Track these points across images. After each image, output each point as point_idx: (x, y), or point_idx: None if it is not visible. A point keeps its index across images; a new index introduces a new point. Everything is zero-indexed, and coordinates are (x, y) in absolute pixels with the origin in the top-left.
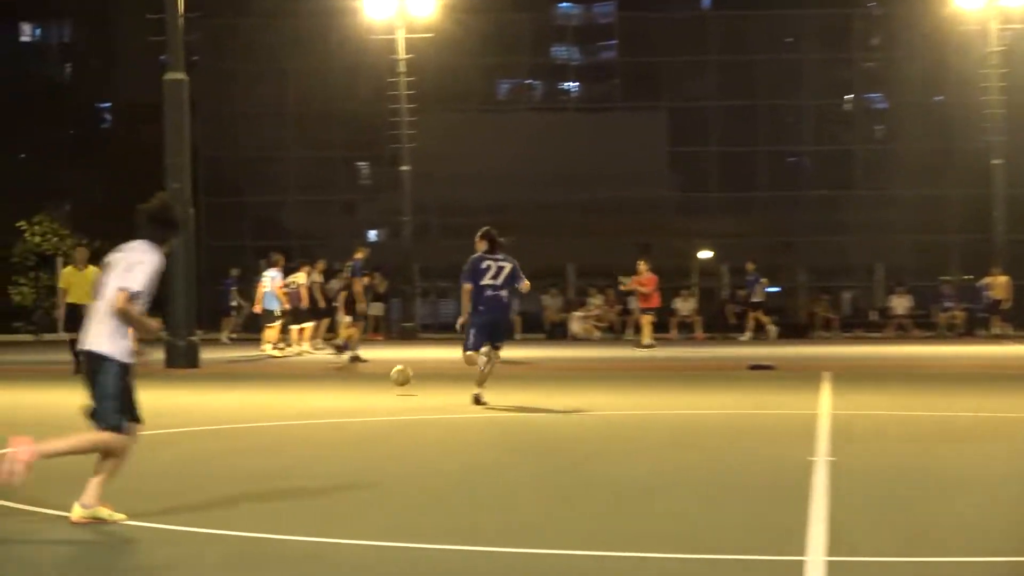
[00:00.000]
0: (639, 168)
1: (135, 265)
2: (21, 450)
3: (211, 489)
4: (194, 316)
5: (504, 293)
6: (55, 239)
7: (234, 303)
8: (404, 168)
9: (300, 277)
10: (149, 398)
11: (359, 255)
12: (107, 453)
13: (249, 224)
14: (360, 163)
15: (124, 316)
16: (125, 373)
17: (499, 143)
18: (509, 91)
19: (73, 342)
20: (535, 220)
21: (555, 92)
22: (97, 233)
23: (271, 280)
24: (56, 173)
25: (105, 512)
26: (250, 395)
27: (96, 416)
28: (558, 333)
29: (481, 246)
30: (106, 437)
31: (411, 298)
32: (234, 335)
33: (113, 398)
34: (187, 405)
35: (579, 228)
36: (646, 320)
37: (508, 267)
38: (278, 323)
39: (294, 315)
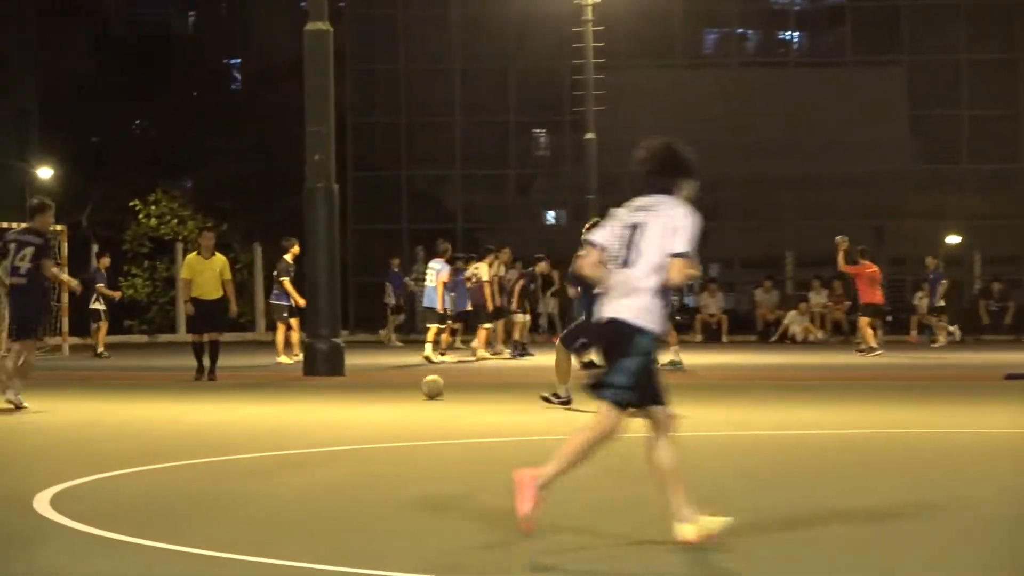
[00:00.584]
0: (873, 135)
1: (678, 229)
2: (527, 485)
3: (361, 522)
4: (338, 314)
5: None
6: (174, 221)
7: (392, 301)
8: (589, 136)
9: (482, 269)
10: (286, 412)
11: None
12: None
13: (405, 204)
14: (537, 130)
15: (676, 285)
16: (655, 350)
17: (704, 106)
18: (717, 43)
19: (197, 345)
20: (747, 198)
21: (773, 43)
22: (224, 214)
23: (436, 273)
24: (176, 144)
25: (708, 520)
26: (402, 408)
27: (604, 388)
28: (773, 334)
29: None
30: (601, 423)
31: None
32: (397, 339)
33: (635, 374)
34: (330, 420)
35: (800, 208)
36: (863, 321)
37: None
38: (438, 324)
39: (476, 315)
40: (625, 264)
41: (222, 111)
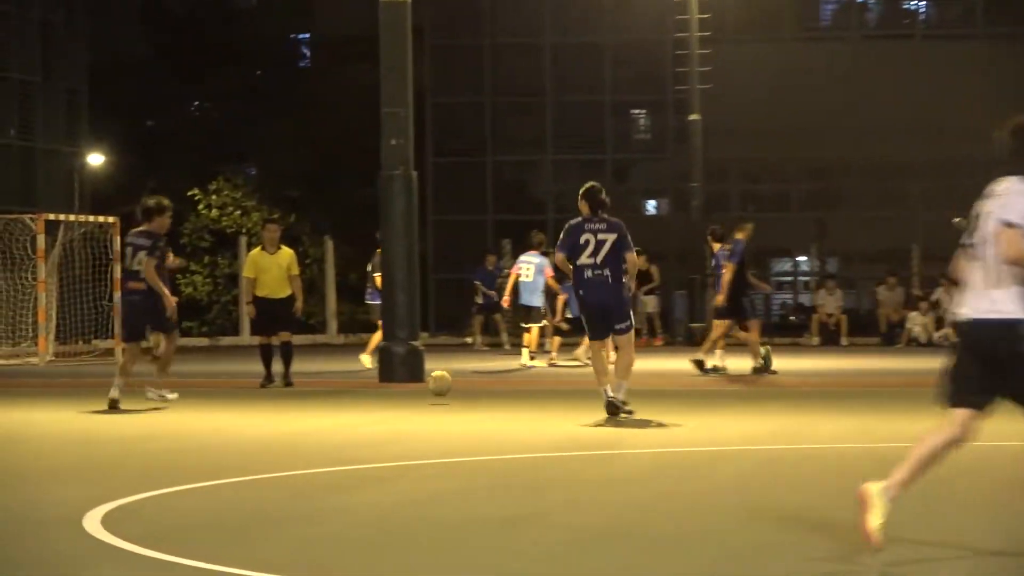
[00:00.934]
0: (1010, 116)
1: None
2: (873, 496)
3: (439, 542)
4: (417, 314)
5: (607, 272)
6: (237, 213)
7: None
8: (693, 117)
9: None
10: (360, 422)
11: (741, 235)
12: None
13: (490, 193)
14: (635, 111)
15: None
16: None
17: (820, 84)
18: (835, 13)
19: (265, 348)
20: (868, 186)
21: (896, 14)
22: (292, 205)
23: (533, 267)
24: (238, 127)
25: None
26: (486, 418)
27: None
28: (897, 336)
29: (584, 209)
30: (953, 428)
31: (702, 290)
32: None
33: None
34: (407, 430)
35: (927, 197)
36: None
37: (610, 238)
38: (539, 324)
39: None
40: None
41: (289, 91)
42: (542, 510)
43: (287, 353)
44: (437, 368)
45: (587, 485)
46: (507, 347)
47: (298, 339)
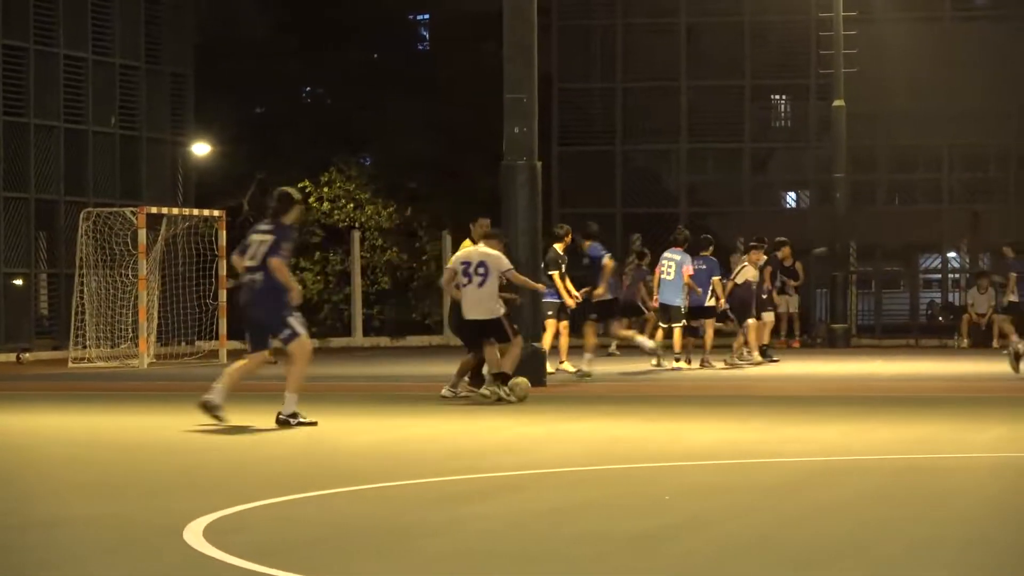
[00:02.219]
0: None
1: None
2: None
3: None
4: (541, 314)
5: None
6: (350, 206)
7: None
8: (838, 104)
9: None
10: (482, 428)
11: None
12: None
13: (619, 184)
14: (776, 97)
15: None
16: None
17: (978, 68)
18: None
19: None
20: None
21: None
22: (411, 196)
23: (676, 265)
24: (353, 114)
25: None
26: (613, 424)
27: None
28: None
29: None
30: None
31: (844, 288)
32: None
33: None
34: (531, 437)
35: None
36: None
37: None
38: (681, 324)
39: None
40: None
41: (407, 75)
42: (678, 522)
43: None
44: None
45: (720, 495)
46: (613, 350)
47: (416, 340)
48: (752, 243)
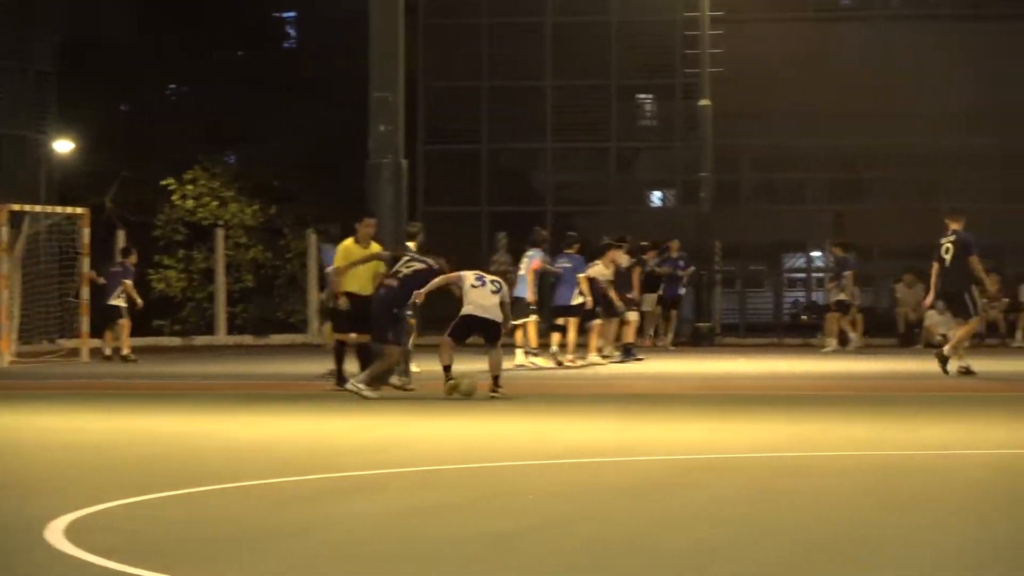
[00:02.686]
0: None
1: None
2: None
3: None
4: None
5: None
6: (214, 204)
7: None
8: (704, 103)
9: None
10: (341, 427)
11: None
12: None
13: (485, 183)
14: (642, 96)
15: None
16: None
17: (842, 68)
18: None
19: (340, 346)
20: (891, 176)
21: None
22: (274, 195)
23: (527, 261)
24: (218, 113)
25: None
26: (477, 422)
27: None
28: (916, 337)
29: None
30: None
31: (709, 288)
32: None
33: None
34: (394, 436)
35: (955, 188)
36: None
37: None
38: (533, 319)
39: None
40: None
41: (273, 74)
42: (541, 522)
43: (368, 355)
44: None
45: (583, 495)
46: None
47: (280, 339)
48: (612, 241)
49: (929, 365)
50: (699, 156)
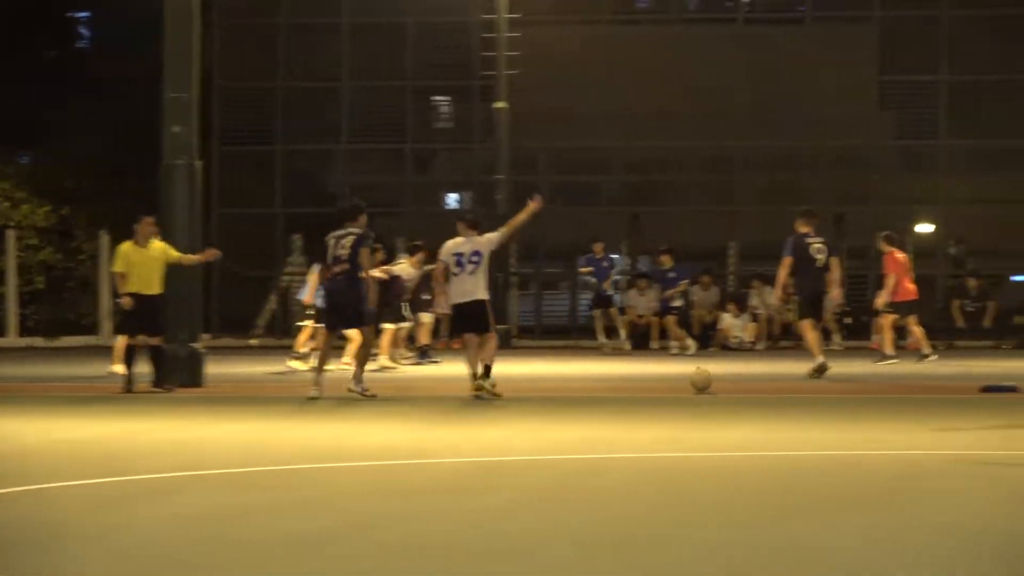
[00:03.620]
0: (837, 105)
1: None
2: None
3: (225, 562)
4: (199, 314)
5: None
6: (6, 204)
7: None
8: (500, 105)
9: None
10: (127, 428)
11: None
12: None
13: (280, 184)
14: (439, 98)
15: None
16: None
17: (638, 70)
18: None
19: (131, 349)
20: (686, 179)
21: None
22: (67, 196)
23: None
24: (9, 112)
25: None
26: (272, 424)
27: None
28: (711, 339)
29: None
30: None
31: (506, 290)
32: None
33: None
34: (187, 438)
35: (748, 190)
36: (886, 321)
37: None
38: (310, 323)
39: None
40: None
41: (67, 73)
42: (341, 525)
43: (161, 356)
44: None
45: (382, 497)
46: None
47: (71, 340)
48: (416, 244)
49: (727, 366)
50: (496, 158)
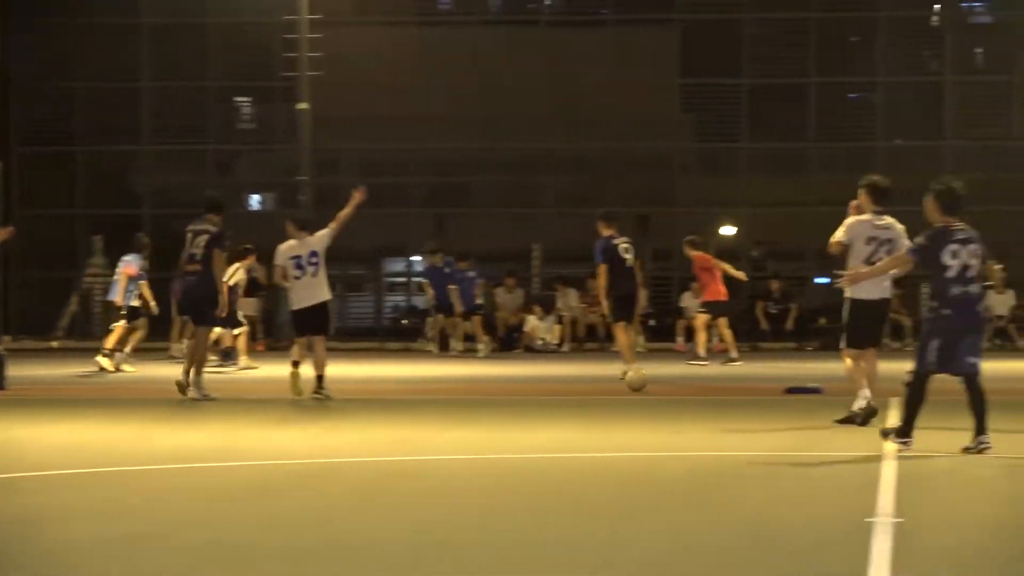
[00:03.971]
0: (639, 109)
1: None
2: None
3: (27, 565)
4: None
5: None
6: None
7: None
8: (302, 107)
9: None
10: None
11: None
12: None
13: (80, 185)
14: (240, 99)
15: None
16: None
17: (441, 72)
18: None
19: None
20: (490, 181)
21: None
22: None
23: (122, 265)
24: None
25: None
26: (78, 427)
27: None
28: (516, 341)
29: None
30: None
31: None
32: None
33: None
34: None
35: (552, 192)
36: (699, 322)
37: None
38: (122, 324)
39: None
40: None
41: None
42: (146, 528)
43: None
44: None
45: (188, 500)
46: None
47: None
48: (247, 247)
49: (533, 369)
50: (298, 159)
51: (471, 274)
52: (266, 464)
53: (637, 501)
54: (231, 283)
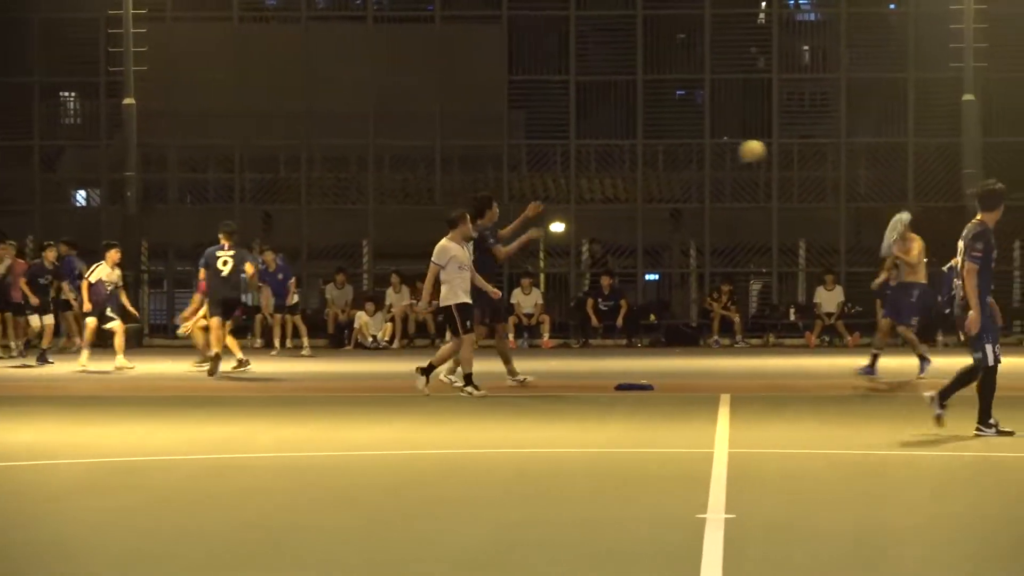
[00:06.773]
0: (466, 105)
1: None
2: None
3: None
4: None
5: None
6: None
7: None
8: (128, 102)
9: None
10: None
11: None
12: None
13: None
14: (65, 94)
15: None
16: None
17: (268, 68)
18: None
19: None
20: (318, 177)
21: None
22: None
23: None
24: None
25: None
26: None
27: None
28: (347, 338)
29: None
30: None
31: (136, 288)
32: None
33: None
34: None
35: (380, 189)
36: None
37: None
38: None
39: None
40: None
41: None
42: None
43: None
44: None
45: (9, 500)
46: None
47: None
48: (111, 242)
49: (363, 365)
50: (124, 155)
51: (280, 276)
52: (91, 462)
53: (462, 496)
54: (92, 279)
